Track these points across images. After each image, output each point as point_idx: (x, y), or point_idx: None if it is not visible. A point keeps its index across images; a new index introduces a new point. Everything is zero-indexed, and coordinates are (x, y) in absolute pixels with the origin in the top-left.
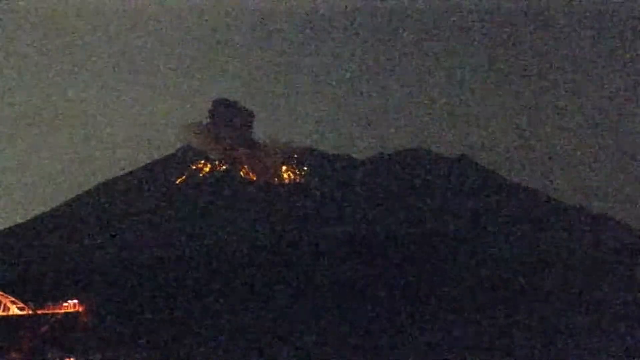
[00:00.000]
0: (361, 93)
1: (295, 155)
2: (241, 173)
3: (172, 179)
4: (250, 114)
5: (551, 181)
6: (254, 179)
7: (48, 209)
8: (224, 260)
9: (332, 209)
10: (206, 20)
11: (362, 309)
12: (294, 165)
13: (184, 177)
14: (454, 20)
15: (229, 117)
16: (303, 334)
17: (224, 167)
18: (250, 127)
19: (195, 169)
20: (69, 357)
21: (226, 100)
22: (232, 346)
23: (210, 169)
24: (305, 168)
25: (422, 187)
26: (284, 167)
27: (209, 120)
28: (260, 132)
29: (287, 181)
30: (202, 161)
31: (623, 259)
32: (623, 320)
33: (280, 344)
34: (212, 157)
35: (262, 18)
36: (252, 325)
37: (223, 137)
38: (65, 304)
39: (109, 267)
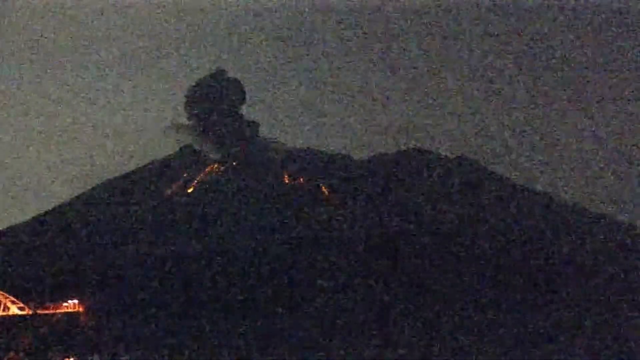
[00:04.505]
0: (361, 93)
1: (295, 156)
2: (241, 173)
3: (173, 179)
4: (239, 98)
5: (551, 181)
6: (254, 179)
7: (48, 209)
8: (224, 260)
9: (332, 209)
10: (206, 19)
11: (361, 309)
12: (294, 166)
13: (184, 177)
14: (454, 20)
15: (216, 111)
16: (303, 334)
17: (223, 167)
18: (240, 105)
19: (195, 169)
20: (69, 357)
21: (209, 91)
22: (233, 347)
23: (210, 169)
24: (305, 168)
25: (422, 187)
26: (283, 168)
27: (198, 117)
28: (260, 132)
29: (286, 182)
30: (202, 161)
31: (623, 259)
32: (623, 321)
33: (281, 344)
34: (212, 157)
35: (261, 17)
36: (252, 326)
37: (216, 135)
38: (65, 304)
39: (109, 267)
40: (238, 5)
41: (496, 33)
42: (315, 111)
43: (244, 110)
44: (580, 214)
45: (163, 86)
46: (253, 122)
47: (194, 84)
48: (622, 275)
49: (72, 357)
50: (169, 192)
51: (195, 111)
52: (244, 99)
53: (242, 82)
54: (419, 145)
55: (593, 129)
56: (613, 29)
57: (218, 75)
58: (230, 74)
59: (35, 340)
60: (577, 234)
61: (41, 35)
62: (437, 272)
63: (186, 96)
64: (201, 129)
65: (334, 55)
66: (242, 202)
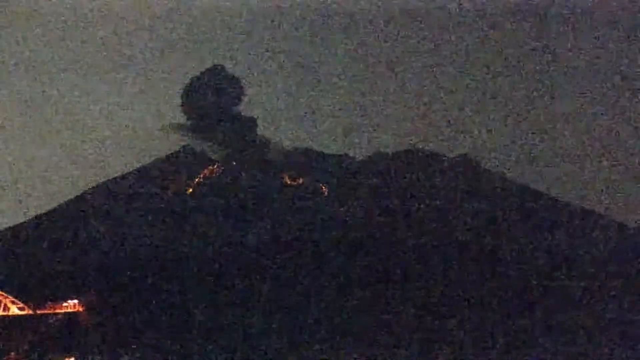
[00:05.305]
0: (361, 93)
1: (295, 156)
2: (241, 173)
3: (173, 179)
4: (236, 94)
5: (551, 181)
6: (254, 179)
7: (48, 209)
8: (224, 260)
9: (332, 209)
10: (206, 19)
11: (362, 309)
12: (294, 166)
13: (184, 177)
14: (454, 20)
15: (213, 110)
16: (303, 334)
17: (223, 167)
18: (238, 102)
19: (195, 169)
20: (69, 357)
21: (203, 89)
22: (233, 347)
23: (210, 169)
24: (305, 168)
25: (422, 187)
26: (283, 168)
27: (196, 115)
28: (260, 132)
29: (286, 182)
30: (202, 161)
31: (623, 259)
32: (623, 321)
33: (281, 344)
34: (212, 157)
35: (260, 16)
36: (252, 326)
37: (215, 134)
38: (65, 304)
39: (109, 267)
40: (238, 5)
41: (496, 33)
42: (315, 111)
43: (242, 107)
44: (580, 214)
45: (163, 86)
46: (251, 118)
47: (190, 81)
48: (622, 275)
49: (72, 357)
50: (168, 192)
51: (193, 109)
52: (241, 95)
53: (239, 79)
54: (419, 145)
55: (593, 129)
56: (613, 28)
57: (214, 72)
58: (230, 73)
59: (35, 340)
60: (577, 234)
61: (41, 36)
62: (438, 272)
63: (183, 93)
64: (199, 127)
65: (334, 55)
66: (242, 202)
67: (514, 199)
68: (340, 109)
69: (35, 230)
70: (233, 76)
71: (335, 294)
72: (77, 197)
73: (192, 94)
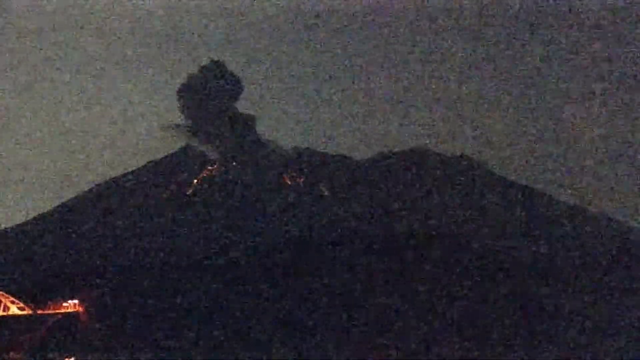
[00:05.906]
0: (361, 93)
1: (295, 156)
2: (241, 174)
3: (172, 179)
4: (234, 91)
5: (551, 181)
6: (254, 179)
7: (48, 209)
8: (224, 261)
9: (332, 210)
10: (206, 19)
11: (362, 309)
12: (294, 166)
13: (183, 177)
14: (453, 20)
15: (212, 111)
16: (304, 334)
17: (223, 167)
18: (236, 99)
19: (194, 170)
20: (69, 357)
21: (201, 89)
22: (234, 347)
23: (210, 169)
24: (305, 168)
25: (422, 187)
26: (283, 168)
27: (193, 114)
28: (259, 133)
29: (286, 182)
30: (202, 161)
31: (623, 259)
32: (622, 321)
33: (282, 345)
34: (211, 157)
35: (260, 17)
36: (252, 326)
37: (213, 132)
38: (65, 304)
39: (109, 267)
40: (239, 4)
41: (496, 33)
42: (315, 111)
43: (241, 107)
44: (580, 214)
45: (162, 86)
46: (251, 118)
47: (188, 80)
48: (622, 275)
49: (72, 357)
50: (168, 192)
51: (192, 108)
52: (240, 93)
53: (238, 77)
54: (419, 145)
55: (594, 128)
56: (614, 28)
57: (213, 70)
58: (228, 70)
59: (35, 340)
60: (577, 234)
61: (40, 36)
62: (437, 272)
63: (182, 93)
64: (199, 127)
65: (334, 55)
66: (241, 202)
67: (512, 199)
68: (340, 109)
69: (35, 230)
70: (232, 74)
71: (335, 295)
72: (77, 197)
73: (191, 93)
